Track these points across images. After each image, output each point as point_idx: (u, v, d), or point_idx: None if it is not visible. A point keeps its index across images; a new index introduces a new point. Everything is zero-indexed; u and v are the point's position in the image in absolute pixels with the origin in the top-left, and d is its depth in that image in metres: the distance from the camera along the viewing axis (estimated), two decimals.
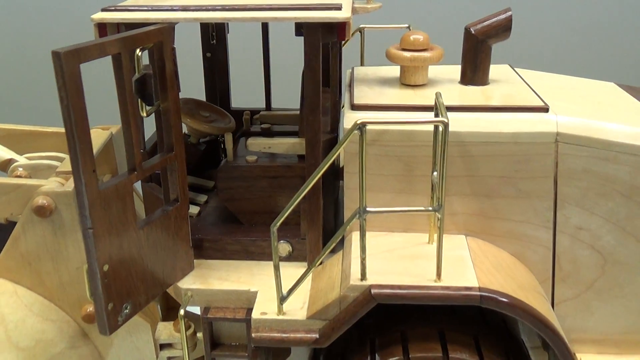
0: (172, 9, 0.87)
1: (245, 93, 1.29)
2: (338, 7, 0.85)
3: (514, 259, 0.95)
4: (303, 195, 0.81)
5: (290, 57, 1.30)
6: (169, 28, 0.83)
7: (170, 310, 1.22)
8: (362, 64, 1.24)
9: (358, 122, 0.77)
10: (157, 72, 0.84)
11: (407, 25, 1.22)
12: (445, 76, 1.06)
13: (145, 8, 0.87)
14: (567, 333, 0.98)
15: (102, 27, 0.86)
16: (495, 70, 1.07)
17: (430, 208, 0.81)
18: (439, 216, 0.81)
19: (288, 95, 1.28)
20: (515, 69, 1.12)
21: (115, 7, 0.87)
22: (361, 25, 1.24)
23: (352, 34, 1.23)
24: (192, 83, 1.23)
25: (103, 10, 0.87)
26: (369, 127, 0.78)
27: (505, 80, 1.04)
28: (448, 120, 0.76)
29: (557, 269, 0.96)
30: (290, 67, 1.37)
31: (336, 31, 0.85)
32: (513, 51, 1.33)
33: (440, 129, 0.77)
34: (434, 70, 1.06)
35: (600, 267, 0.95)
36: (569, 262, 0.95)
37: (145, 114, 0.84)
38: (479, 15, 1.03)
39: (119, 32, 0.88)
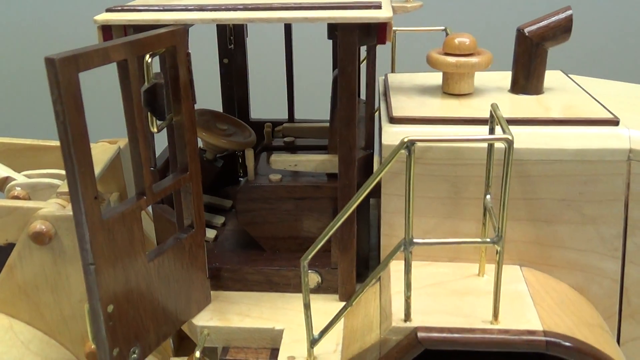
0: (186, 8, 0.76)
1: (265, 102, 1.18)
2: (377, 6, 0.74)
3: (576, 293, 0.84)
4: (339, 224, 0.70)
5: (316, 62, 1.19)
6: (182, 31, 0.72)
7: (183, 340, 1.11)
8: (392, 71, 1.13)
9: (405, 139, 0.65)
10: (169, 81, 0.73)
11: (443, 27, 1.10)
12: (493, 84, 0.94)
13: (156, 8, 0.76)
14: None
15: (107, 30, 0.75)
16: (547, 77, 0.95)
17: (489, 240, 0.69)
18: (498, 249, 0.69)
19: (313, 105, 1.17)
20: (570, 75, 1.01)
21: (122, 7, 0.77)
22: (394, 28, 1.12)
23: None
24: (207, 92, 1.12)
25: (108, 10, 0.76)
26: (416, 145, 0.67)
27: (561, 88, 0.93)
28: (512, 137, 0.65)
29: (624, 304, 0.85)
30: (315, 74, 1.26)
31: (375, 33, 0.74)
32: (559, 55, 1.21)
33: (504, 147, 0.65)
34: (478, 78, 0.95)
35: None
36: (639, 296, 0.83)
37: (156, 130, 0.73)
38: (520, 16, 0.92)
39: (126, 35, 0.77)
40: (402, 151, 0.66)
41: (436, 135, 0.80)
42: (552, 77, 0.98)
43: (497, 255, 0.70)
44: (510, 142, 0.65)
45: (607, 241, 0.81)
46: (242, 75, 1.10)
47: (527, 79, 0.89)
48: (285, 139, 1.05)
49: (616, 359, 0.74)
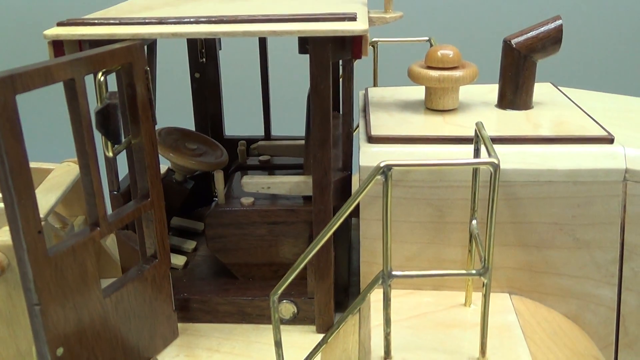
0: (145, 22, 0.70)
1: (240, 119, 1.12)
2: (352, 17, 0.69)
3: (569, 323, 0.78)
4: (312, 253, 0.64)
5: (294, 75, 1.13)
6: (139, 45, 0.66)
7: None
8: (375, 84, 1.07)
9: (381, 164, 0.59)
10: (125, 100, 0.67)
11: (427, 38, 1.05)
12: (479, 98, 0.89)
13: (113, 21, 0.71)
14: None
15: (59, 46, 0.69)
16: (536, 90, 0.90)
17: (474, 271, 0.63)
18: (485, 281, 0.63)
19: (291, 121, 1.11)
20: (560, 87, 0.95)
21: (75, 21, 0.70)
22: (374, 39, 1.07)
23: None
24: (177, 108, 1.06)
25: (59, 24, 0.70)
26: (395, 168, 0.61)
27: (551, 102, 0.88)
28: (499, 161, 0.59)
29: (621, 332, 0.80)
30: (293, 87, 1.20)
31: (350, 47, 0.68)
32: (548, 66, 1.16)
33: (491, 171, 0.59)
34: (463, 91, 0.90)
35: None
36: (636, 324, 0.79)
37: (111, 154, 0.67)
38: (508, 26, 0.87)
39: (81, 49, 0.71)
40: (378, 177, 0.60)
41: (418, 156, 0.74)
42: (541, 89, 0.93)
43: (484, 287, 0.64)
44: (496, 167, 0.59)
45: (602, 267, 0.76)
46: (215, 89, 1.04)
47: (514, 93, 0.84)
48: (261, 158, 0.99)
49: None
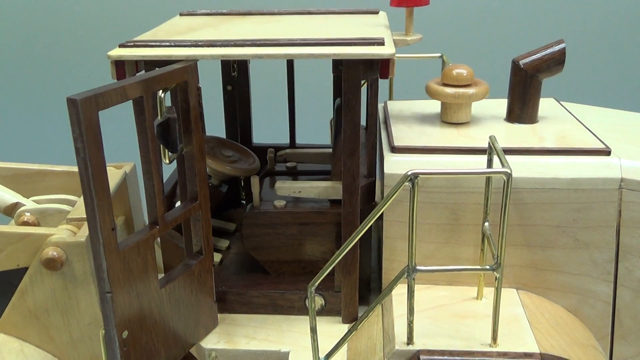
0: (196, 44, 0.79)
1: (267, 126, 1.20)
2: (381, 42, 0.78)
3: (570, 315, 0.87)
4: (344, 253, 0.73)
5: (317, 88, 1.22)
6: (193, 66, 0.75)
7: None
8: (390, 97, 1.16)
9: (409, 173, 0.68)
10: (181, 114, 0.76)
11: (439, 54, 1.14)
12: (489, 112, 0.98)
13: (167, 44, 0.80)
14: None
15: (120, 65, 0.78)
16: (541, 105, 0.99)
17: (488, 267, 0.72)
18: (497, 275, 0.72)
19: (314, 129, 1.20)
20: (562, 102, 1.04)
21: (134, 43, 0.79)
22: None
23: None
24: (211, 117, 1.15)
25: (121, 46, 0.79)
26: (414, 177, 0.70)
27: (554, 117, 0.96)
28: (511, 171, 0.68)
29: (617, 325, 0.88)
30: (316, 99, 1.29)
31: (378, 68, 0.77)
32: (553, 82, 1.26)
33: (504, 179, 0.68)
34: (475, 105, 0.98)
35: None
36: (630, 318, 0.87)
37: (168, 161, 0.76)
38: (520, 43, 0.95)
39: (138, 69, 0.80)
40: (406, 183, 0.69)
41: (435, 164, 0.83)
42: (545, 105, 1.01)
43: (496, 281, 0.73)
44: (509, 176, 0.68)
45: (599, 265, 0.85)
46: (244, 101, 1.13)
47: (522, 108, 0.93)
48: (288, 164, 1.08)
49: None
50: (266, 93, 1.22)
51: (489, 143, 0.77)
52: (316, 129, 1.21)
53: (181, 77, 0.74)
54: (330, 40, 0.78)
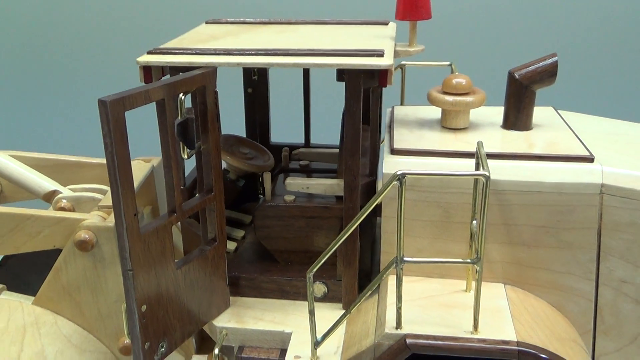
0: (216, 52, 0.88)
1: (285, 127, 1.29)
2: (380, 54, 0.85)
3: (554, 310, 0.93)
4: (340, 242, 0.81)
5: (331, 93, 1.31)
6: (212, 72, 0.84)
7: (204, 341, 1.22)
8: (402, 102, 1.24)
9: (398, 172, 0.76)
10: (199, 115, 0.85)
11: (449, 62, 1.21)
12: (487, 119, 1.05)
13: (190, 51, 0.89)
14: None
15: (147, 69, 0.88)
16: (539, 114, 1.06)
17: (469, 260, 0.80)
18: (477, 268, 0.80)
19: (327, 130, 1.28)
20: (560, 111, 1.11)
21: (160, 50, 0.89)
22: (402, 62, 1.24)
23: (394, 70, 1.23)
24: (233, 117, 1.24)
25: (149, 53, 0.89)
26: (408, 176, 0.78)
27: (549, 125, 1.03)
28: (489, 174, 0.75)
29: (598, 321, 0.94)
30: (330, 103, 1.38)
31: (377, 77, 0.85)
32: (557, 91, 1.32)
33: (482, 181, 0.76)
34: (475, 112, 1.05)
35: None
36: (611, 315, 0.93)
37: (186, 157, 0.85)
38: (522, 54, 1.02)
39: (164, 73, 0.90)
40: (395, 182, 0.77)
41: (431, 166, 0.90)
42: (543, 113, 1.08)
43: (477, 274, 0.80)
44: (487, 178, 0.75)
45: (582, 265, 0.91)
46: (264, 102, 1.22)
47: (516, 116, 0.99)
48: (301, 162, 1.16)
49: None
50: (285, 96, 1.31)
51: (476, 149, 0.84)
52: (330, 130, 1.29)
53: (200, 82, 0.83)
54: (335, 51, 0.87)
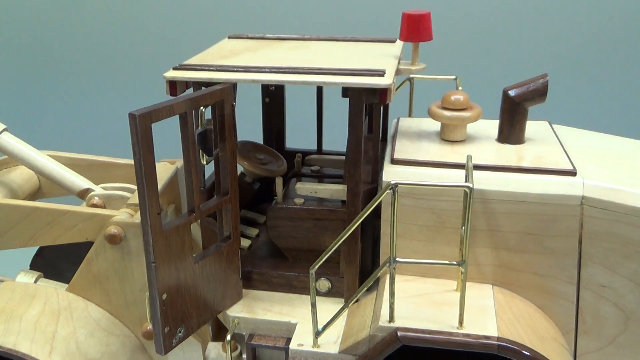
0: (234, 69, 0.98)
1: (299, 134, 1.39)
2: (381, 74, 0.94)
3: (537, 311, 1.01)
4: (340, 242, 0.90)
5: (342, 104, 1.40)
6: (229, 88, 0.94)
7: (220, 330, 1.33)
8: (410, 114, 1.32)
9: (391, 182, 0.85)
10: (217, 125, 0.95)
11: (454, 77, 1.29)
12: (484, 132, 1.12)
13: (211, 68, 0.99)
14: None
15: (173, 83, 0.98)
16: (533, 128, 1.14)
17: (455, 262, 0.88)
18: (462, 270, 0.88)
19: (339, 138, 1.37)
20: (555, 125, 1.18)
21: (184, 67, 0.99)
22: (411, 76, 1.32)
23: (402, 84, 1.32)
24: (251, 124, 1.34)
25: (174, 68, 0.99)
26: (401, 186, 0.87)
27: (541, 139, 1.10)
28: (473, 186, 0.84)
29: (580, 322, 1.01)
30: (341, 113, 1.47)
31: (378, 95, 0.94)
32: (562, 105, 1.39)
33: (466, 192, 0.84)
34: (473, 125, 1.13)
35: (623, 324, 0.99)
36: (591, 316, 1.00)
37: (205, 162, 0.95)
38: (522, 69, 1.08)
39: (187, 87, 1.00)
40: (389, 191, 0.86)
41: (427, 176, 0.99)
42: (537, 127, 1.15)
43: (462, 274, 0.89)
44: (470, 189, 0.84)
45: (564, 269, 0.98)
46: (280, 112, 1.32)
47: (509, 131, 1.07)
48: (312, 168, 1.26)
49: None
50: (300, 105, 1.40)
51: (466, 161, 0.93)
52: (341, 138, 1.38)
53: (219, 97, 0.93)
54: (340, 70, 0.96)
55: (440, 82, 1.35)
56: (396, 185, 0.85)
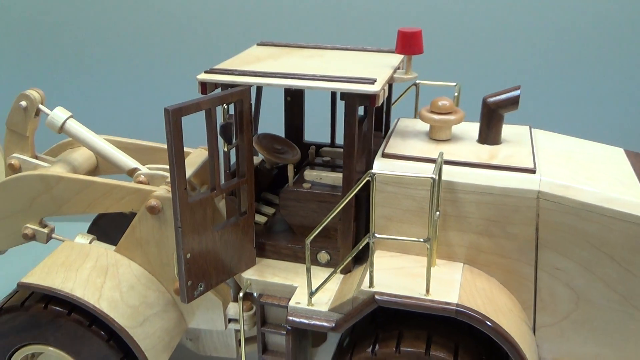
0: (255, 74, 1.19)
1: (317, 129, 1.59)
2: (372, 82, 1.14)
3: (501, 287, 1.18)
4: (329, 219, 1.11)
5: None
6: (247, 89, 1.15)
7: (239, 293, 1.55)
8: (415, 115, 1.50)
9: (370, 172, 1.05)
10: (237, 119, 1.17)
11: (455, 83, 1.47)
12: (467, 134, 1.30)
13: (236, 72, 1.20)
14: (546, 354, 1.20)
15: (204, 85, 1.20)
16: (513, 131, 1.30)
17: (422, 239, 1.07)
18: (428, 247, 1.07)
19: None
20: (534, 130, 1.35)
21: (214, 71, 1.21)
22: (417, 81, 1.51)
23: (408, 88, 1.51)
24: (274, 118, 1.56)
25: (206, 72, 1.21)
26: (380, 175, 1.06)
27: (515, 141, 1.27)
28: (436, 177, 1.03)
29: (538, 299, 1.17)
30: None
31: (369, 100, 1.14)
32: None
33: (431, 182, 1.03)
34: (459, 127, 1.31)
35: (574, 303, 1.15)
36: (548, 295, 1.16)
37: (227, 150, 1.17)
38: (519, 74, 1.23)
39: (216, 87, 1.22)
40: (368, 179, 1.06)
41: (409, 169, 1.17)
42: (517, 130, 1.32)
43: (428, 250, 1.08)
44: (434, 180, 1.03)
45: (524, 253, 1.14)
46: (300, 108, 1.53)
47: (487, 133, 1.24)
48: (324, 158, 1.46)
49: (510, 331, 1.09)
50: (317, 103, 1.60)
51: (437, 157, 1.12)
52: None
53: (238, 97, 1.14)
54: (338, 77, 1.16)
55: (442, 87, 1.53)
56: (374, 174, 1.05)
